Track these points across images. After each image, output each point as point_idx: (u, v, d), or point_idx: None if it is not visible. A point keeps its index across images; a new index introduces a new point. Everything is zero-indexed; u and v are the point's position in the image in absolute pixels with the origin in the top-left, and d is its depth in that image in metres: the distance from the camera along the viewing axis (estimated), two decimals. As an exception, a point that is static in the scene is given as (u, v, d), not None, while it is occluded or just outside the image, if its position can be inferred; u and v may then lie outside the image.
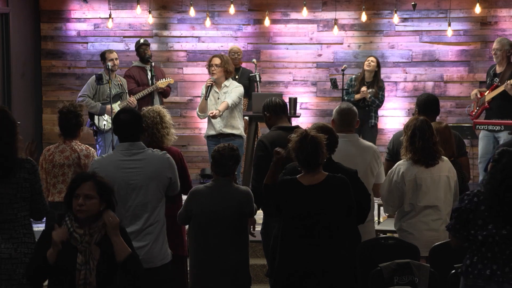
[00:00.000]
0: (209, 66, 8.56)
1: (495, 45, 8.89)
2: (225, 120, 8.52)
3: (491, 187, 4.36)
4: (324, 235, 4.69)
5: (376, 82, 9.61)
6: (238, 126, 8.61)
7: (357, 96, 9.52)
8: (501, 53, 8.80)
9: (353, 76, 9.79)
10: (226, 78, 8.55)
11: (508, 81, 8.59)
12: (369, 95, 9.46)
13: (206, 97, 8.51)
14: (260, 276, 7.16)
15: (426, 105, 6.48)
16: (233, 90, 8.52)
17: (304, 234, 4.70)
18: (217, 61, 8.49)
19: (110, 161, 4.96)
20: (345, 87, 9.64)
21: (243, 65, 10.08)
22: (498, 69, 8.89)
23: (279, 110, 6.08)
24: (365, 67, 9.67)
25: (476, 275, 4.36)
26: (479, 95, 8.99)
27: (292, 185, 4.76)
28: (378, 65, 9.70)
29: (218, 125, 8.52)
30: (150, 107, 5.98)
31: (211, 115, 8.41)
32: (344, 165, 5.22)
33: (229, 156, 5.29)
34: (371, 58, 9.72)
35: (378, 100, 9.58)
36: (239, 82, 8.98)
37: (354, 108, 5.89)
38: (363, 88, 9.49)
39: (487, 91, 8.89)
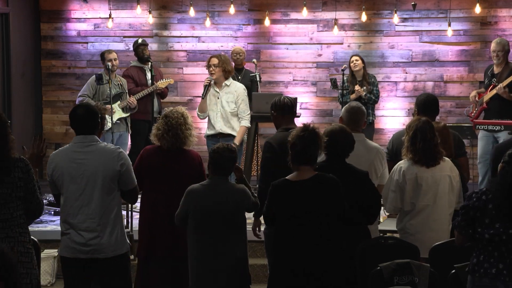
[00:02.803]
0: (208, 66, 8.56)
1: (496, 46, 8.86)
2: (226, 119, 8.51)
3: (501, 188, 4.35)
4: (316, 234, 4.69)
5: (365, 79, 9.61)
6: (238, 128, 8.60)
7: (353, 96, 9.52)
8: (503, 54, 8.81)
9: (345, 78, 9.79)
10: (226, 78, 8.54)
11: (500, 85, 8.63)
12: (364, 93, 9.47)
13: (202, 96, 8.52)
14: (260, 276, 7.16)
15: (425, 105, 6.48)
16: (239, 99, 8.47)
17: (297, 233, 4.70)
18: (215, 61, 8.48)
19: (64, 153, 5.04)
20: (340, 89, 9.66)
21: (246, 66, 10.05)
22: (496, 70, 8.90)
23: (286, 110, 6.08)
24: (353, 68, 9.66)
25: (483, 273, 4.36)
26: (477, 98, 9.00)
27: (281, 185, 4.78)
28: (363, 62, 9.72)
29: (218, 124, 8.51)
30: (172, 108, 6.01)
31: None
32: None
33: (228, 158, 5.32)
34: (355, 58, 9.71)
35: (374, 96, 9.58)
36: (241, 83, 8.95)
37: (363, 107, 5.91)
38: (357, 87, 9.50)
39: (486, 92, 8.91)
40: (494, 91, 8.76)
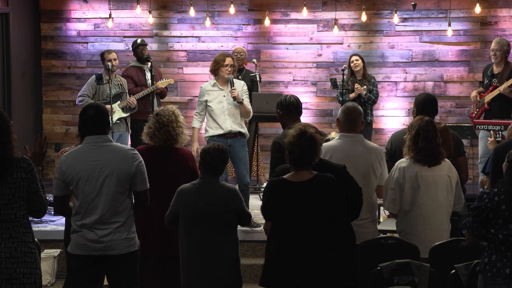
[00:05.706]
0: (222, 66, 8.41)
1: (494, 45, 8.91)
2: (234, 118, 8.43)
3: (510, 188, 4.39)
4: (314, 236, 4.65)
5: (366, 78, 9.61)
6: (244, 125, 8.61)
7: (352, 95, 9.51)
8: (501, 53, 8.84)
9: (345, 77, 9.78)
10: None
11: (504, 85, 8.63)
12: (365, 92, 9.47)
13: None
14: (258, 276, 7.13)
15: (424, 105, 6.48)
16: (244, 94, 8.49)
17: (292, 233, 4.66)
18: (232, 61, 8.45)
19: (78, 154, 5.01)
20: (339, 89, 9.64)
21: (247, 66, 10.02)
22: (496, 70, 8.91)
23: (291, 109, 6.11)
24: (353, 68, 9.65)
25: (495, 273, 4.40)
26: (478, 98, 9.00)
27: (279, 184, 4.76)
28: (363, 62, 9.72)
29: (228, 122, 8.40)
30: (162, 106, 6.09)
31: (233, 93, 8.31)
32: (347, 164, 5.23)
33: (219, 159, 5.34)
34: (355, 57, 9.70)
35: (373, 96, 9.58)
36: None
37: (360, 107, 5.88)
38: (357, 85, 9.50)
39: (486, 92, 8.92)
40: (496, 92, 8.76)
